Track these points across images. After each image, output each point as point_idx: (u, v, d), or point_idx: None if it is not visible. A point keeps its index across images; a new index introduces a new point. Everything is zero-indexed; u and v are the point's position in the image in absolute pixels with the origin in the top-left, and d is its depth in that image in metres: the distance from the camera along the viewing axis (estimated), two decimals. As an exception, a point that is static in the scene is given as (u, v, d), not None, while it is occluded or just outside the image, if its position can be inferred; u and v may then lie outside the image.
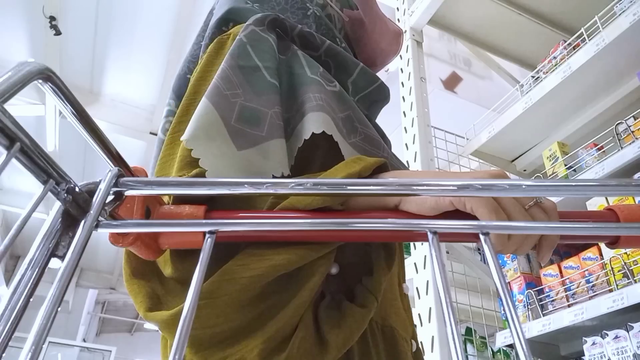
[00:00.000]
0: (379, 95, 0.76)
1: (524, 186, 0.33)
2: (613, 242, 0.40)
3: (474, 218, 0.41)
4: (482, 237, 0.34)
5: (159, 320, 0.48)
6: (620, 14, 1.52)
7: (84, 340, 6.85)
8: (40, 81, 0.30)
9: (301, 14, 0.77)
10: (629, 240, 0.40)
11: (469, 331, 1.86)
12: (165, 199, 0.48)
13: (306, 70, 0.64)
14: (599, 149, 1.60)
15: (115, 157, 0.38)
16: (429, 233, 0.35)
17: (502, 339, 1.66)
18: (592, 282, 1.43)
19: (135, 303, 0.50)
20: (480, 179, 0.35)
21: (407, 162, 1.93)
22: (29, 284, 0.30)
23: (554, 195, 0.35)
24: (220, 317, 0.44)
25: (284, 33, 0.70)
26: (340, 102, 0.65)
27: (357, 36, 0.88)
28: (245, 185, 0.35)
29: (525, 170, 2.16)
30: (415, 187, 0.35)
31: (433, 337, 1.50)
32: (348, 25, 0.87)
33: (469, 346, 1.85)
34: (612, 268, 1.36)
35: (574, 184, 0.32)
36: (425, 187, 0.35)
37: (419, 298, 1.61)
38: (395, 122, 4.02)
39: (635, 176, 1.41)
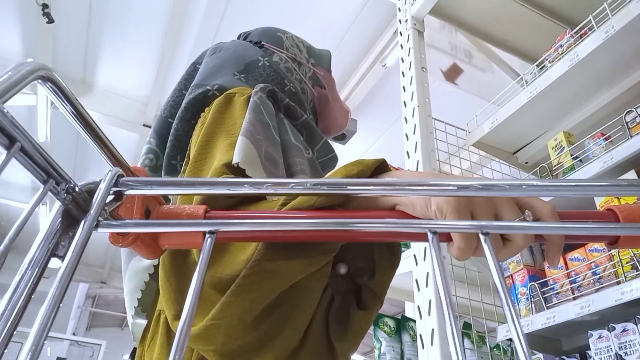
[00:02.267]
0: (331, 164, 0.94)
1: (524, 186, 0.33)
2: (613, 242, 0.40)
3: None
4: (482, 237, 0.34)
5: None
6: (630, 0, 1.48)
7: (74, 334, 6.79)
8: (40, 81, 0.31)
9: (279, 88, 0.92)
10: (629, 240, 0.40)
11: (467, 326, 1.83)
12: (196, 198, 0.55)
13: (291, 137, 0.77)
14: (606, 139, 1.56)
15: (115, 157, 0.38)
16: (429, 233, 0.35)
17: (503, 333, 1.62)
18: (598, 274, 1.40)
19: (165, 308, 0.55)
20: (480, 180, 0.35)
21: (407, 152, 1.89)
22: (29, 284, 0.30)
23: (554, 195, 0.34)
24: (226, 336, 0.47)
25: (274, 102, 0.82)
26: (312, 168, 0.79)
27: (322, 110, 1.08)
28: (245, 185, 0.36)
29: (527, 163, 2.13)
30: (415, 188, 0.35)
31: (433, 330, 1.48)
32: (316, 100, 1.06)
33: (466, 341, 1.82)
34: (620, 260, 1.33)
35: (574, 184, 0.32)
36: (425, 188, 0.35)
37: (419, 290, 1.58)
38: (393, 116, 4.01)
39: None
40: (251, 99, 0.76)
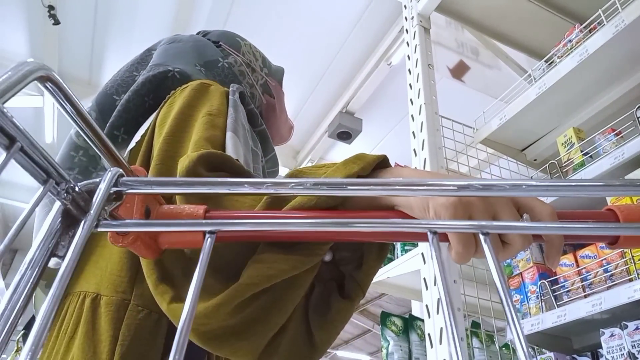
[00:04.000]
0: (273, 176, 1.01)
1: (524, 186, 0.33)
2: (613, 242, 0.40)
3: None
4: (481, 237, 0.34)
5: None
6: (640, -7, 1.46)
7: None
8: (39, 81, 0.31)
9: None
10: (629, 240, 0.40)
11: (476, 325, 1.82)
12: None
13: (251, 143, 0.79)
14: (617, 134, 1.54)
15: (115, 157, 0.38)
16: (429, 233, 0.35)
17: (514, 331, 1.60)
18: (610, 271, 1.38)
19: (146, 275, 0.53)
20: (480, 180, 0.35)
21: (415, 150, 1.88)
22: (29, 284, 0.30)
23: (554, 196, 0.35)
24: (207, 317, 0.46)
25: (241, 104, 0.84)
26: (264, 175, 0.84)
27: (267, 118, 1.11)
28: (245, 185, 0.36)
29: (535, 160, 2.11)
30: (415, 188, 0.35)
31: (442, 328, 1.46)
32: (264, 107, 1.09)
33: (475, 340, 1.81)
34: (632, 257, 1.31)
35: (574, 184, 0.32)
36: (425, 187, 0.34)
37: (427, 289, 1.57)
38: (399, 114, 3.99)
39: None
40: (230, 97, 0.78)
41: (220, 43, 1.04)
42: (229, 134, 0.67)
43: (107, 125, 0.82)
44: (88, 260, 0.70)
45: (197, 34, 1.10)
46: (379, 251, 0.56)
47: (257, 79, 1.07)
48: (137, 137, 0.78)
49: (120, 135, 0.81)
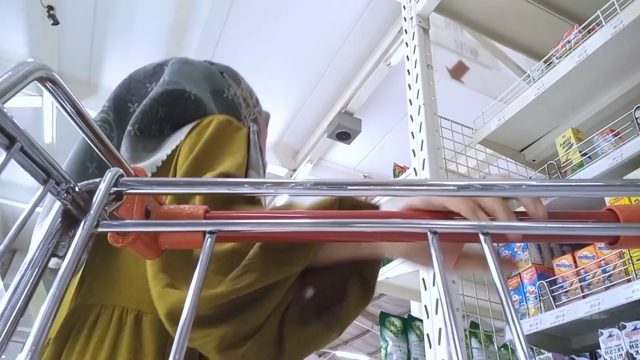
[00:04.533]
0: None
1: (524, 186, 0.33)
2: (613, 242, 0.40)
3: None
4: (482, 237, 0.34)
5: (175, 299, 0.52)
6: (639, -6, 1.46)
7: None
8: (39, 81, 0.31)
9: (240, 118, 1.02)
10: (629, 240, 0.40)
11: (475, 325, 1.82)
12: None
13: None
14: (615, 135, 1.54)
15: (115, 157, 0.38)
16: (429, 233, 0.35)
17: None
18: (608, 272, 1.38)
19: (152, 283, 0.54)
20: (480, 180, 0.35)
21: (413, 151, 1.88)
22: (29, 284, 0.30)
23: (554, 195, 0.33)
24: (182, 301, 0.47)
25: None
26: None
27: None
28: (245, 185, 0.36)
29: (534, 160, 2.11)
30: (415, 188, 0.35)
31: (441, 329, 1.46)
32: None
33: (473, 340, 1.81)
34: (630, 257, 1.31)
35: (574, 184, 0.32)
36: (425, 187, 0.35)
37: (425, 289, 1.57)
38: (398, 115, 3.99)
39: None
40: (251, 136, 0.85)
41: (224, 75, 1.10)
42: (251, 172, 0.74)
43: (129, 123, 0.89)
44: (119, 275, 0.71)
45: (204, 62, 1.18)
46: (362, 294, 0.58)
47: (250, 114, 1.13)
48: (158, 162, 0.82)
49: (134, 130, 0.88)
